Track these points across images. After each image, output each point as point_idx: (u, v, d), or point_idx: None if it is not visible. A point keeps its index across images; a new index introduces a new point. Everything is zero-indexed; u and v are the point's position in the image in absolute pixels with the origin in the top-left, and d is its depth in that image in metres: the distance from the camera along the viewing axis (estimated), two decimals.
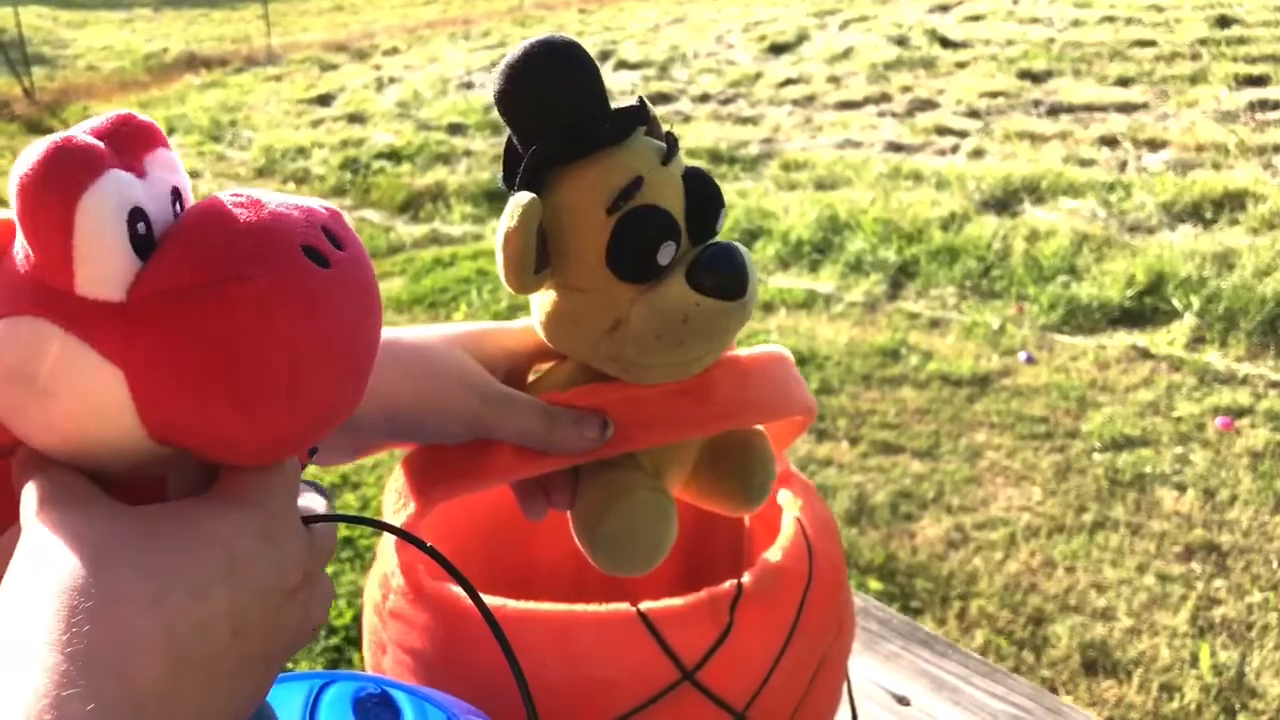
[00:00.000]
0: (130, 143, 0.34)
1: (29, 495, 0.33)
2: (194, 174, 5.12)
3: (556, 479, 0.52)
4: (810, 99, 5.59)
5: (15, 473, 0.35)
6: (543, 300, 0.50)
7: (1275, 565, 1.97)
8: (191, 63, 8.83)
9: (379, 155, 5.28)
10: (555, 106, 0.46)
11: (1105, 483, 2.25)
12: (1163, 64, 5.27)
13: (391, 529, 0.44)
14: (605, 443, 0.49)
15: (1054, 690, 1.70)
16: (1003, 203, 3.84)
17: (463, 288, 3.56)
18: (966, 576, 1.99)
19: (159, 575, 0.30)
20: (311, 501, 0.39)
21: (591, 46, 7.44)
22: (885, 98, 5.40)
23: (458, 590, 0.54)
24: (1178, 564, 1.99)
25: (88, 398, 0.31)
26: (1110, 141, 4.37)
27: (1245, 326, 2.83)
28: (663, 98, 5.90)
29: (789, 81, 5.94)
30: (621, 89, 5.80)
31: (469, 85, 6.66)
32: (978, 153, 4.45)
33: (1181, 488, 2.22)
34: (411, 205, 4.63)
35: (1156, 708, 1.67)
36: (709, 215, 0.48)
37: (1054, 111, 4.86)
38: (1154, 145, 4.26)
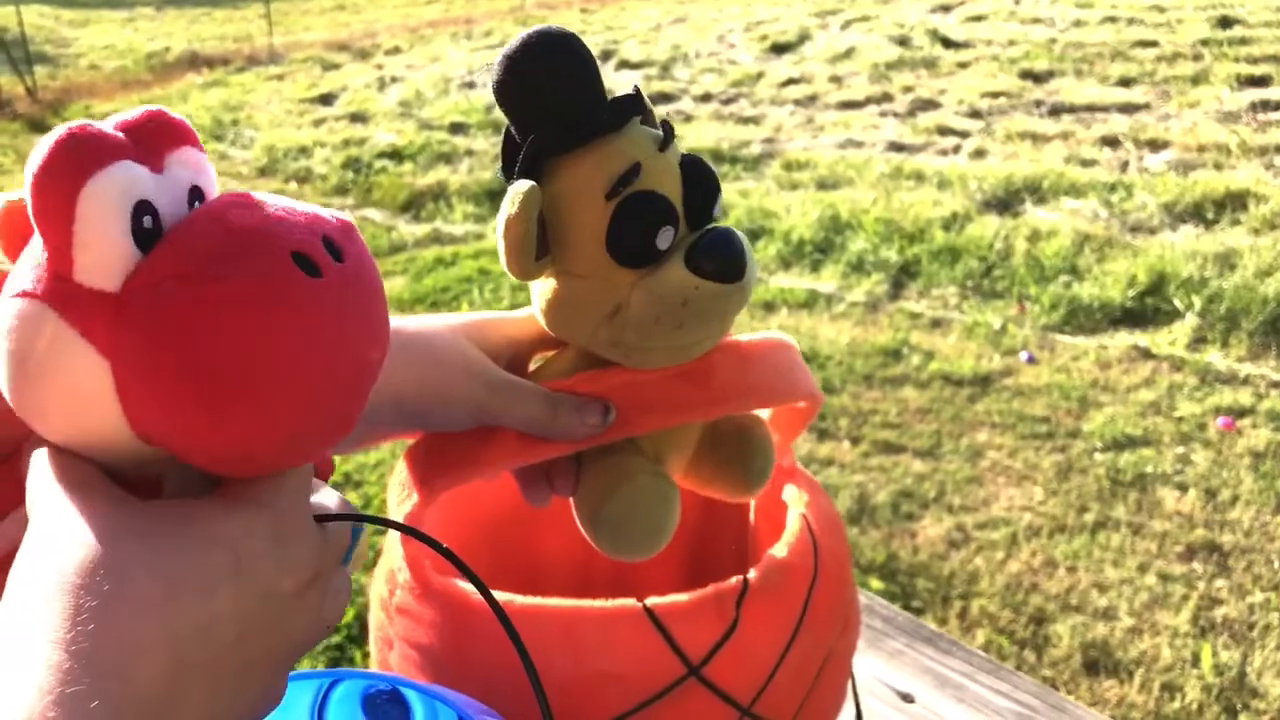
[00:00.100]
0: (152, 138, 0.34)
1: (36, 482, 0.33)
2: None
3: (559, 465, 0.52)
4: (812, 99, 5.59)
5: (26, 458, 0.35)
6: (543, 288, 0.50)
7: (1277, 565, 1.97)
8: (194, 62, 8.84)
9: (381, 154, 5.28)
10: (553, 96, 0.46)
11: (1107, 483, 2.25)
12: (1164, 64, 5.27)
13: (404, 528, 0.44)
14: (607, 428, 0.49)
15: (1055, 690, 1.70)
16: (1004, 203, 3.84)
17: (464, 287, 3.56)
18: (968, 576, 1.99)
19: (164, 575, 0.30)
20: (325, 499, 0.39)
21: (593, 46, 7.39)
22: (887, 98, 5.40)
23: (465, 586, 0.54)
24: (1179, 564, 1.99)
25: (75, 387, 0.31)
26: (1112, 142, 4.37)
27: (1247, 327, 2.83)
28: (664, 97, 5.90)
29: (791, 81, 5.94)
30: (623, 89, 5.80)
31: (471, 85, 6.66)
32: (979, 153, 4.45)
33: (1183, 488, 2.22)
34: (413, 204, 4.63)
35: (1158, 708, 1.67)
36: (706, 201, 0.49)
37: (1056, 112, 4.86)
38: (1156, 145, 4.26)
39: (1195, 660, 1.75)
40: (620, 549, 0.50)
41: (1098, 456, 2.35)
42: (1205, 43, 5.48)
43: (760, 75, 6.16)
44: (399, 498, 0.53)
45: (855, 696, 0.66)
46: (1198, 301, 2.96)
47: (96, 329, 0.31)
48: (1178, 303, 3.00)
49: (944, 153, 4.53)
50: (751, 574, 0.54)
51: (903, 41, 6.39)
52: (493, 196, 4.53)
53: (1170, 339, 2.85)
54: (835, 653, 0.58)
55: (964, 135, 4.70)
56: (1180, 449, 2.35)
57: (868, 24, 7.10)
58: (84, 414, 0.32)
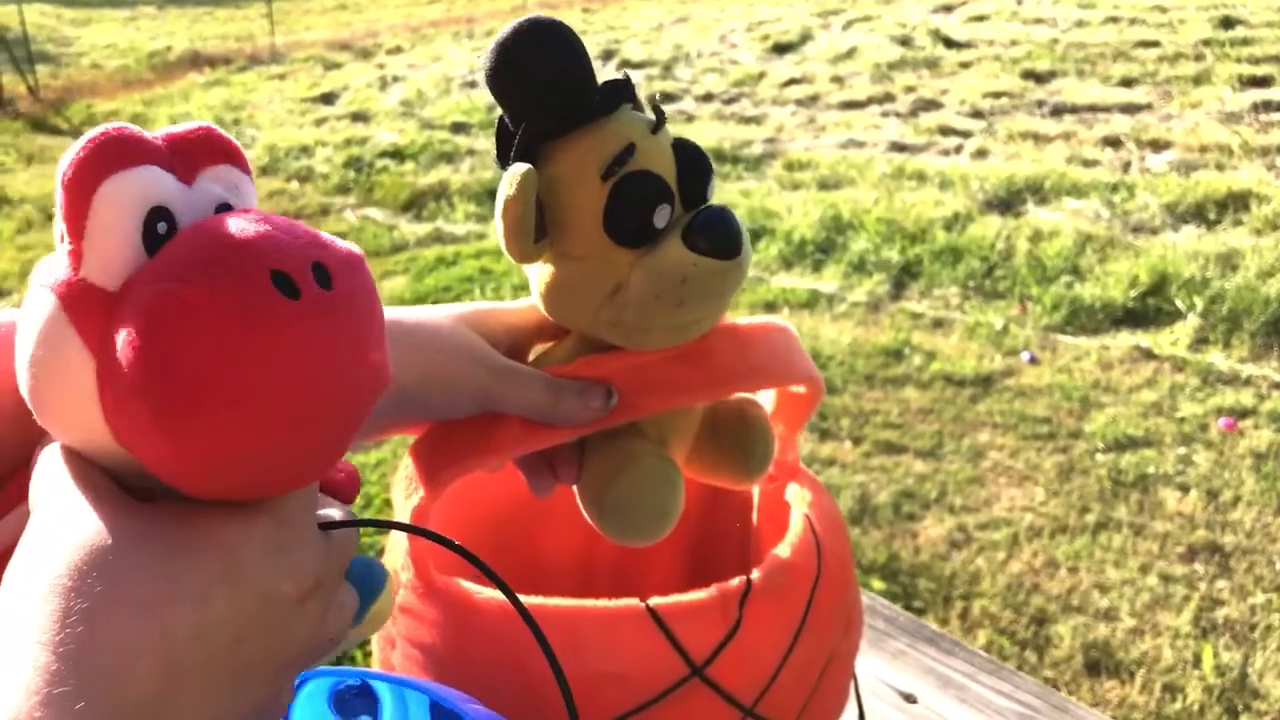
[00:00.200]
0: (191, 150, 0.34)
1: (39, 477, 0.33)
2: None
3: (562, 453, 0.52)
4: (814, 99, 5.59)
5: (36, 452, 0.35)
6: (541, 272, 0.50)
7: (1278, 566, 1.97)
8: (195, 61, 8.84)
9: (382, 154, 5.28)
10: (545, 81, 0.47)
11: (1108, 483, 2.25)
12: (1166, 65, 5.27)
13: (414, 529, 0.44)
14: (610, 411, 0.49)
15: (1057, 690, 1.70)
16: (1006, 203, 3.84)
17: (466, 286, 3.56)
18: (969, 576, 1.99)
19: (157, 579, 0.30)
20: (329, 508, 0.38)
21: (595, 46, 7.46)
22: (889, 98, 5.40)
23: (468, 585, 0.54)
24: (1181, 565, 1.99)
25: (68, 384, 0.31)
26: (1114, 142, 4.37)
27: (1249, 327, 2.83)
28: (666, 97, 5.89)
29: (792, 81, 5.94)
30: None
31: (472, 84, 6.66)
32: (981, 153, 4.45)
33: (1184, 488, 2.22)
34: (415, 204, 4.63)
35: (1159, 708, 1.67)
36: (700, 181, 0.49)
37: (1057, 112, 4.85)
38: (1158, 146, 4.26)
39: (1197, 661, 1.75)
40: (626, 533, 0.50)
41: (1099, 457, 2.35)
42: (1207, 43, 5.48)
43: (762, 75, 6.16)
44: (405, 493, 0.53)
45: (858, 697, 0.66)
46: (1199, 302, 2.96)
47: (91, 327, 0.31)
48: (1179, 303, 2.99)
49: (946, 153, 4.53)
50: (755, 574, 0.54)
51: (905, 41, 6.39)
52: (494, 196, 4.51)
53: (1172, 339, 2.85)
54: (838, 653, 0.58)
55: (966, 135, 4.69)
56: (1182, 450, 2.35)
57: (869, 24, 7.10)
58: (76, 414, 0.32)
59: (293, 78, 7.76)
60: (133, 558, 0.30)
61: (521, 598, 0.53)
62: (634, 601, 0.52)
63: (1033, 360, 2.81)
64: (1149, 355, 2.80)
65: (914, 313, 3.17)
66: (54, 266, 0.32)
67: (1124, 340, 2.89)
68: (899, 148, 4.66)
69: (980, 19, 6.82)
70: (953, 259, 3.42)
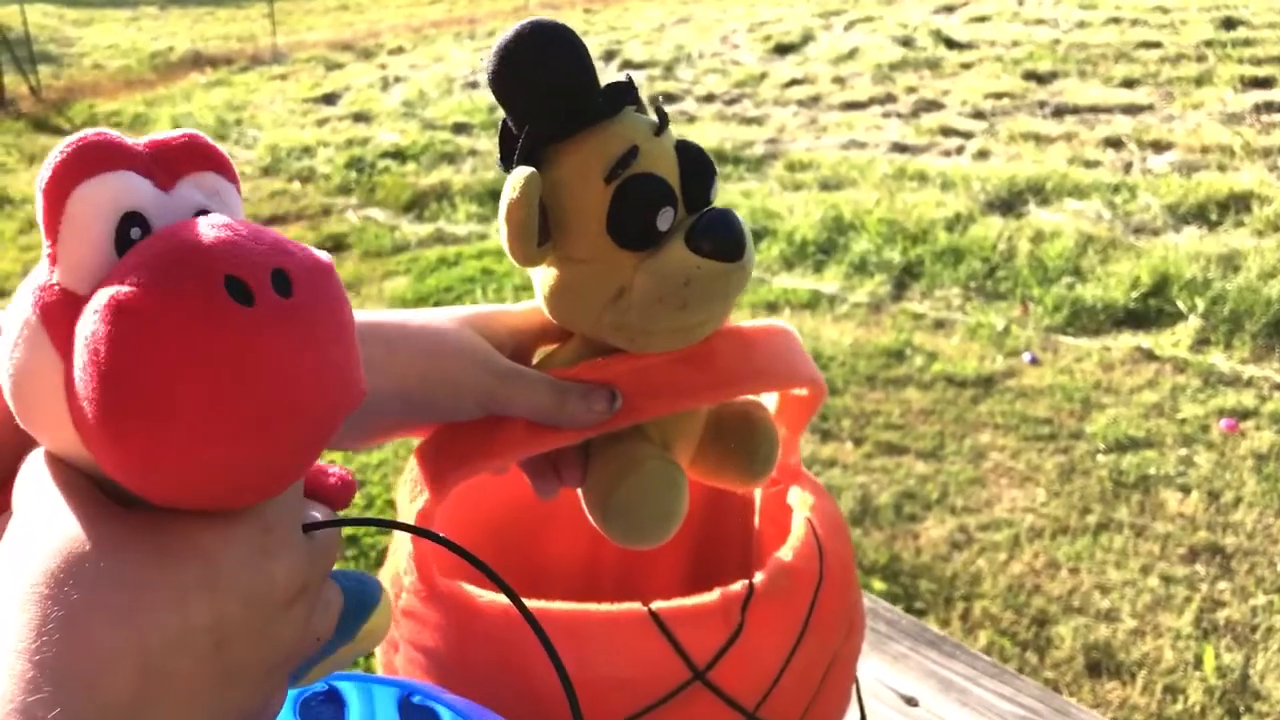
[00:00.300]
0: (173, 157, 0.34)
1: (22, 482, 0.33)
2: None
3: (567, 456, 0.52)
4: (815, 99, 5.59)
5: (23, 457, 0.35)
6: (545, 275, 0.50)
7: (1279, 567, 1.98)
8: (197, 61, 8.85)
9: (384, 154, 5.28)
10: (548, 84, 0.47)
11: (1109, 484, 2.25)
12: (1168, 65, 5.26)
13: (407, 528, 0.44)
14: (614, 415, 0.49)
15: (1057, 691, 1.70)
16: (1008, 204, 3.84)
17: (467, 287, 3.56)
18: (970, 577, 1.99)
19: (135, 586, 0.29)
20: (312, 509, 0.38)
21: (596, 46, 7.45)
22: (890, 98, 5.40)
23: (471, 589, 0.54)
24: (1182, 566, 1.99)
25: (41, 387, 0.31)
26: (1115, 143, 4.37)
27: (1250, 328, 2.83)
28: (668, 98, 5.90)
29: (794, 82, 5.94)
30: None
31: (474, 85, 6.66)
32: (983, 154, 4.45)
33: (1186, 490, 2.22)
34: (416, 204, 4.63)
35: (1160, 709, 1.67)
36: (703, 184, 0.49)
37: (1059, 113, 4.85)
38: (1159, 147, 4.26)
39: (1198, 662, 1.75)
40: (631, 536, 0.51)
41: (1100, 458, 2.35)
42: (1209, 44, 5.48)
43: (763, 76, 6.16)
44: (410, 495, 0.53)
45: (859, 700, 0.66)
46: (1201, 303, 2.96)
47: (60, 331, 0.31)
48: (1181, 304, 2.99)
49: (947, 154, 4.53)
50: (757, 578, 0.54)
51: (906, 42, 6.39)
52: (496, 197, 4.53)
53: (1173, 341, 2.85)
54: (840, 657, 0.58)
55: (967, 136, 4.69)
56: (1183, 451, 2.35)
57: (871, 25, 7.10)
58: (51, 418, 0.32)
59: (294, 78, 7.77)
60: (111, 565, 0.30)
61: (524, 602, 0.53)
62: (636, 605, 0.52)
63: (1034, 361, 2.81)
64: (1150, 356, 2.80)
65: (915, 313, 3.17)
66: (38, 272, 0.32)
67: (1125, 341, 2.89)
68: (900, 148, 4.66)
69: (982, 20, 6.82)
70: (954, 260, 3.42)
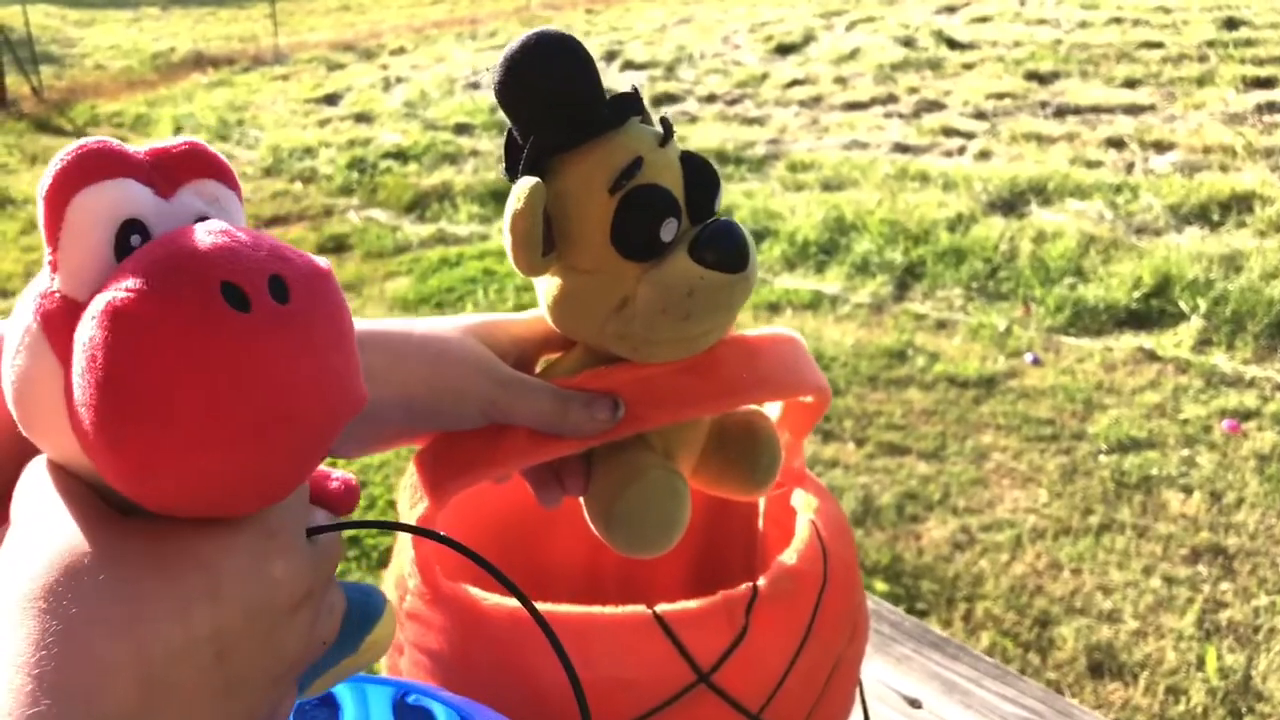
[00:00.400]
0: (173, 165, 0.34)
1: (21, 491, 0.33)
2: None
3: (569, 464, 0.52)
4: (817, 100, 5.59)
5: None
6: (549, 285, 0.51)
7: None
8: (199, 62, 8.86)
9: (386, 155, 5.29)
10: (553, 95, 0.47)
11: (1111, 485, 2.25)
12: (1170, 66, 5.26)
13: (406, 528, 0.44)
14: (617, 423, 0.49)
15: (1059, 692, 1.70)
16: (1009, 204, 3.84)
17: (469, 287, 3.56)
18: (972, 578, 1.99)
19: (134, 598, 0.29)
20: (313, 513, 0.38)
21: (598, 47, 7.47)
22: (892, 99, 5.40)
23: (475, 591, 0.54)
24: (1184, 567, 1.99)
25: (41, 394, 0.31)
26: (1117, 143, 4.37)
27: (1252, 329, 2.83)
28: (669, 98, 5.90)
29: (795, 82, 5.94)
30: (625, 89, 5.84)
31: (476, 85, 6.67)
32: (984, 154, 4.45)
33: (1188, 490, 2.22)
34: (418, 205, 4.64)
35: (1162, 710, 1.67)
36: (707, 195, 0.49)
37: (1061, 113, 4.85)
38: (1161, 147, 4.26)
39: (1200, 663, 1.75)
40: (634, 545, 0.51)
41: (1103, 459, 2.35)
42: (1211, 44, 5.48)
43: (765, 76, 6.16)
44: (410, 501, 0.53)
45: (863, 702, 0.66)
46: (1203, 303, 2.96)
47: (60, 337, 0.31)
48: (1183, 305, 2.99)
49: (949, 154, 4.53)
50: (761, 581, 0.54)
51: (908, 43, 6.39)
52: (498, 197, 4.54)
53: (1176, 341, 2.85)
54: (844, 659, 0.58)
55: (969, 136, 4.69)
56: (1185, 451, 2.35)
57: (873, 25, 7.10)
58: (52, 425, 0.32)
59: (296, 78, 7.77)
60: (109, 577, 0.29)
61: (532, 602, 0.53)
62: (641, 608, 0.52)
63: (1036, 362, 2.81)
64: (1152, 357, 2.80)
65: (917, 314, 3.17)
66: (39, 279, 0.33)
67: (1127, 342, 2.89)
68: (902, 149, 4.66)
69: (983, 20, 6.82)
70: (956, 260, 3.42)
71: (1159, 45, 5.62)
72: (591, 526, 0.52)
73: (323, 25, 10.96)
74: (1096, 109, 4.82)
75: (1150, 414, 2.52)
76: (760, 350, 0.53)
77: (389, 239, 4.22)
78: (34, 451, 0.35)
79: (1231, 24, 5.80)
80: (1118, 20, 6.26)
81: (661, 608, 0.52)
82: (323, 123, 6.20)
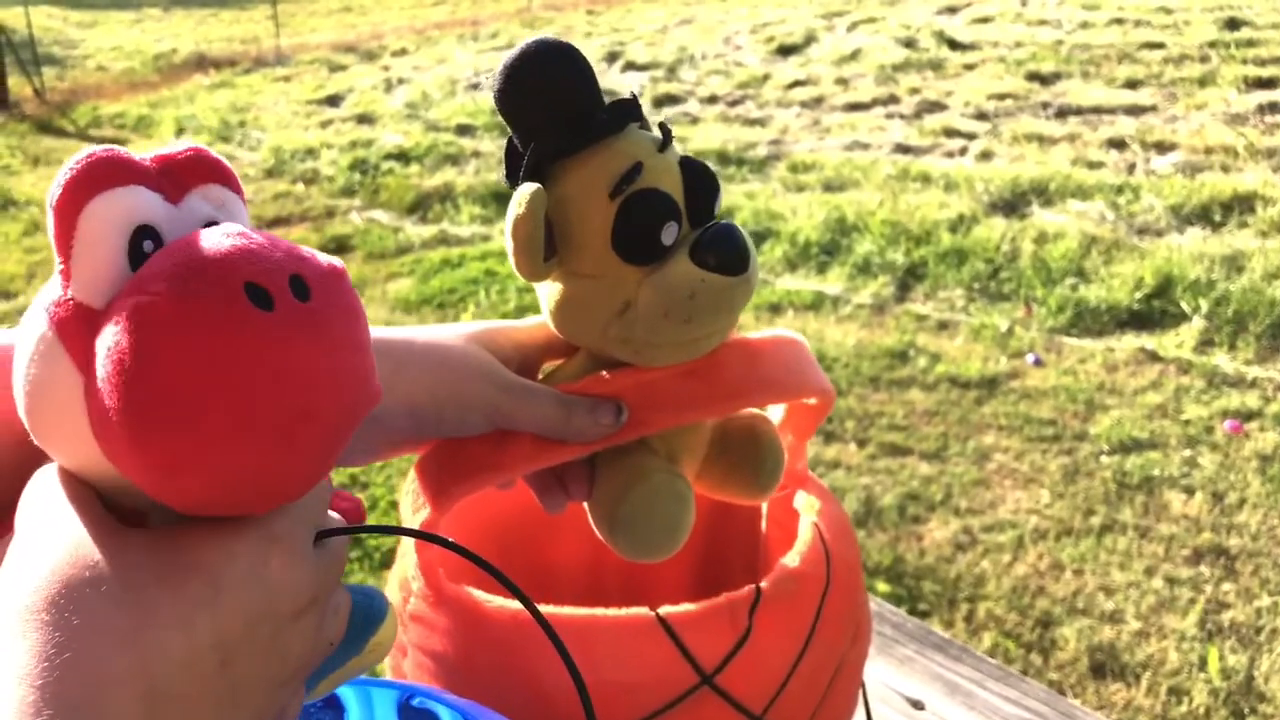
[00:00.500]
0: (180, 171, 0.35)
1: (27, 499, 0.33)
2: None
3: (573, 470, 0.52)
4: (818, 100, 5.59)
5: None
6: (551, 290, 0.51)
7: None
8: (201, 63, 8.86)
9: (388, 156, 5.29)
10: (553, 101, 0.47)
11: (1113, 485, 2.25)
12: (1171, 66, 5.26)
13: (411, 532, 0.44)
14: (620, 428, 0.49)
15: (1061, 693, 1.70)
16: (1011, 205, 3.84)
17: (470, 288, 3.57)
18: (974, 579, 1.99)
19: (136, 608, 0.30)
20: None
21: (599, 48, 7.47)
22: (893, 99, 5.40)
23: (478, 593, 0.54)
24: (1186, 567, 1.99)
25: (57, 401, 0.32)
26: (1119, 144, 4.37)
27: (1254, 329, 2.83)
28: (670, 99, 5.90)
29: (797, 83, 5.94)
30: (627, 91, 5.84)
31: (477, 86, 6.67)
32: (986, 155, 4.45)
33: (1190, 491, 2.22)
34: (420, 206, 4.64)
35: (1165, 711, 1.67)
36: (707, 199, 0.50)
37: (1062, 114, 4.85)
38: (1163, 148, 4.26)
39: (1202, 664, 1.75)
40: (638, 549, 0.51)
41: (1104, 459, 2.35)
42: (1212, 45, 5.47)
43: (766, 77, 6.16)
44: (413, 507, 0.53)
45: (866, 704, 0.66)
46: (1205, 304, 2.95)
47: (77, 344, 0.31)
48: (1185, 305, 2.99)
49: (950, 155, 4.53)
50: (764, 582, 0.54)
51: (909, 43, 6.39)
52: (499, 198, 4.54)
53: (1177, 341, 2.85)
54: (847, 661, 0.58)
55: (970, 137, 4.69)
56: (1187, 452, 2.35)
57: (874, 26, 7.10)
58: (68, 432, 0.32)
59: (298, 80, 7.78)
60: (113, 587, 0.30)
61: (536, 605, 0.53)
62: (644, 610, 0.52)
63: (1038, 362, 2.81)
64: (1154, 357, 2.80)
65: (919, 315, 3.17)
66: (50, 288, 0.33)
67: (1129, 342, 2.89)
68: (903, 149, 4.66)
69: (985, 20, 6.82)
70: (958, 261, 3.42)
71: (1160, 46, 5.61)
72: (596, 531, 0.52)
73: (324, 27, 10.97)
74: (1098, 110, 4.82)
75: (1152, 415, 2.52)
76: (763, 353, 0.53)
77: (391, 240, 4.22)
78: (37, 463, 0.35)
79: (1233, 24, 5.80)
80: (1119, 21, 6.26)
81: (664, 610, 0.52)
82: (324, 124, 6.20)
